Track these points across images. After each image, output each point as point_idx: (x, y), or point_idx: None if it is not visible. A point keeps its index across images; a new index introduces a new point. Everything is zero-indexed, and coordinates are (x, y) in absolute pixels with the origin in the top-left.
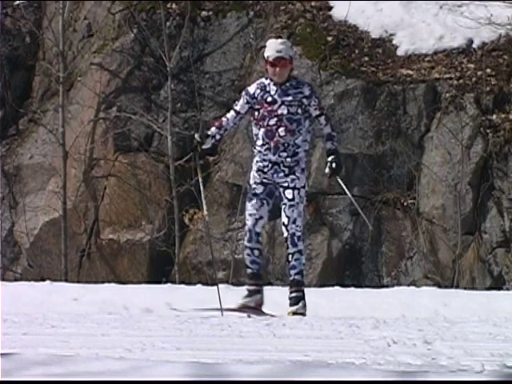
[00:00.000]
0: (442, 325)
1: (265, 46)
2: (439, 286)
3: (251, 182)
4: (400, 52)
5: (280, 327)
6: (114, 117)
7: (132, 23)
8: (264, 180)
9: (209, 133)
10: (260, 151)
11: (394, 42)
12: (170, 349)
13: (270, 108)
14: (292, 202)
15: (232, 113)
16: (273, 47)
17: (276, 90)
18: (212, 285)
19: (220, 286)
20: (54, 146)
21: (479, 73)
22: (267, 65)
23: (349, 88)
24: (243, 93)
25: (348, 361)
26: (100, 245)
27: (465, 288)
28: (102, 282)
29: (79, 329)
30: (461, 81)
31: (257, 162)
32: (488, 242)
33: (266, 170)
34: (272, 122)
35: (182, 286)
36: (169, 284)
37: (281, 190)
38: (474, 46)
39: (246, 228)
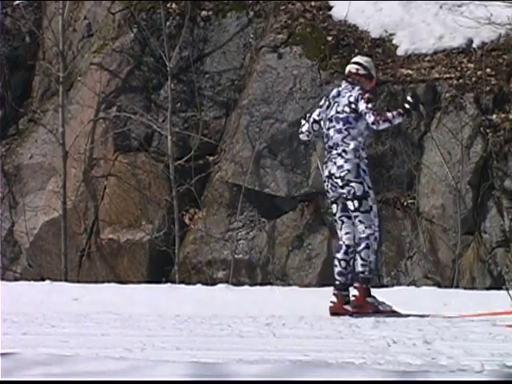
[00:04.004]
0: (442, 324)
1: (264, 46)
2: (439, 286)
3: (368, 190)
4: (400, 52)
5: (280, 327)
6: (114, 116)
7: (132, 23)
8: None
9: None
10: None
11: (393, 41)
12: (170, 349)
13: None
14: None
15: None
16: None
17: None
18: (212, 284)
19: (220, 285)
20: (54, 146)
21: (479, 72)
22: (373, 83)
23: None
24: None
25: (348, 360)
26: (100, 244)
27: (464, 288)
28: (102, 282)
29: (79, 328)
30: (461, 80)
31: (365, 166)
32: (488, 242)
33: None
34: None
35: (182, 285)
36: (169, 284)
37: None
38: (474, 45)
39: (376, 236)
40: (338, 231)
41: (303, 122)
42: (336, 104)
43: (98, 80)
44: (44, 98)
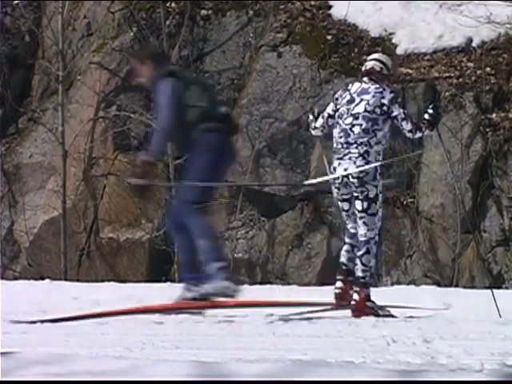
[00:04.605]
0: (442, 323)
1: (264, 45)
2: (439, 285)
3: (379, 194)
4: (399, 51)
5: (279, 326)
6: (114, 116)
7: (131, 22)
8: None
9: None
10: None
11: (393, 40)
12: (170, 348)
13: None
14: None
15: None
16: None
17: None
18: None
19: None
20: (54, 145)
21: (479, 72)
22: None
23: None
24: None
25: (347, 360)
26: (99, 243)
27: (464, 287)
28: (102, 281)
29: (79, 328)
30: (460, 80)
31: (380, 170)
32: (487, 241)
33: None
34: None
35: (182, 284)
36: (168, 283)
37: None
38: (474, 44)
39: (376, 240)
40: (352, 223)
41: (311, 117)
42: (365, 102)
43: (98, 79)
44: (43, 97)
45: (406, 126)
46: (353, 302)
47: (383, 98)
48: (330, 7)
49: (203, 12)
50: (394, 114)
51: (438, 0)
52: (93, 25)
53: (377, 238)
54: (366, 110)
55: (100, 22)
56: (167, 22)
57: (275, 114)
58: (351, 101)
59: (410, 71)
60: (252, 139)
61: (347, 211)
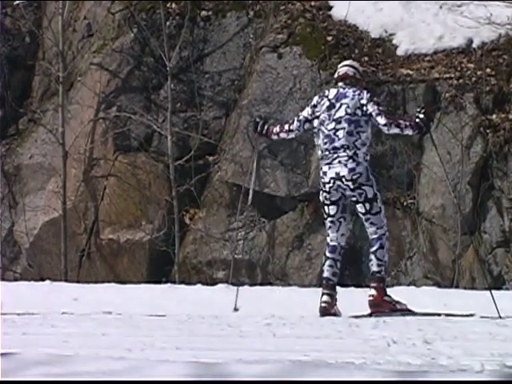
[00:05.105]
0: (442, 324)
1: (264, 46)
2: (439, 286)
3: (377, 192)
4: (400, 52)
5: (280, 327)
6: (114, 117)
7: (132, 23)
8: None
9: None
10: None
11: (393, 41)
12: (170, 348)
13: None
14: None
15: None
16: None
17: None
18: (212, 284)
19: (220, 285)
20: (54, 146)
21: (479, 72)
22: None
23: None
24: None
25: (348, 360)
26: (100, 245)
27: (464, 288)
28: (102, 282)
29: (79, 328)
30: (460, 80)
31: (371, 169)
32: (488, 242)
33: None
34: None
35: (182, 285)
36: (169, 284)
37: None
38: (474, 45)
39: (387, 236)
40: (334, 232)
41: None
42: (345, 106)
43: (98, 80)
44: (44, 98)
45: (381, 120)
46: (370, 298)
47: (362, 98)
48: (330, 8)
49: (203, 13)
50: (369, 112)
51: (438, 0)
52: (93, 26)
53: (387, 233)
54: (347, 113)
55: (100, 23)
56: (167, 23)
57: (275, 115)
58: (331, 107)
59: (411, 72)
60: (252, 140)
61: (333, 216)
